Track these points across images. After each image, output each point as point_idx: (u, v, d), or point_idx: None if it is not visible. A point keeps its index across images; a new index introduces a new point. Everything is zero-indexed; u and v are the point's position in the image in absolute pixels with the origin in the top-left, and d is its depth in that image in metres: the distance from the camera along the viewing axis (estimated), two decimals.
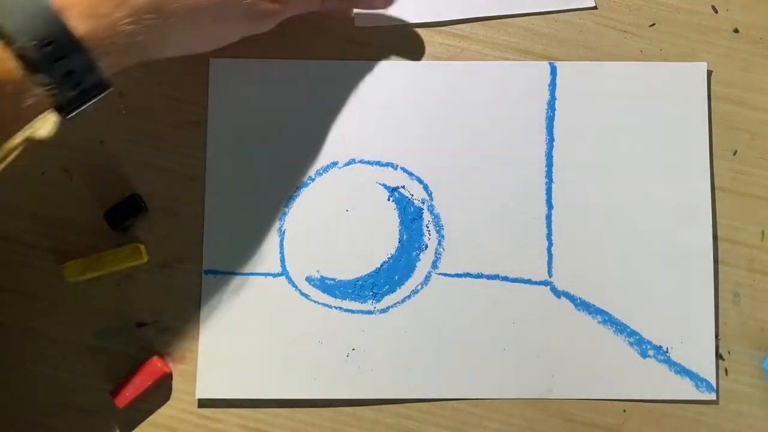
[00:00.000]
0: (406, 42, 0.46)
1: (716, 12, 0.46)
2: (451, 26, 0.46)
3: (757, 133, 0.45)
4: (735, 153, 0.45)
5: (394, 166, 0.44)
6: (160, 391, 0.43)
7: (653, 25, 0.46)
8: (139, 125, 0.45)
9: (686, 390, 0.43)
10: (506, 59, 0.45)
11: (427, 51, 0.45)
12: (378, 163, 0.44)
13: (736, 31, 0.46)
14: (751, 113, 0.45)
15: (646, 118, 0.45)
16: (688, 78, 0.45)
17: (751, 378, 0.43)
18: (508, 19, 0.46)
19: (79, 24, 0.33)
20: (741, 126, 0.45)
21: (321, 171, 0.44)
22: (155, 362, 0.42)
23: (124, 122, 0.45)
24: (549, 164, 0.44)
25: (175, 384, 0.43)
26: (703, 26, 0.46)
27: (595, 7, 0.45)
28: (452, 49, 0.46)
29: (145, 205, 0.44)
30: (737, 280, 0.44)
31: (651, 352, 0.43)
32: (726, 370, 0.43)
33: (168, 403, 0.43)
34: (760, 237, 0.44)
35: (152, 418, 0.43)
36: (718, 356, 0.43)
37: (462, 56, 0.45)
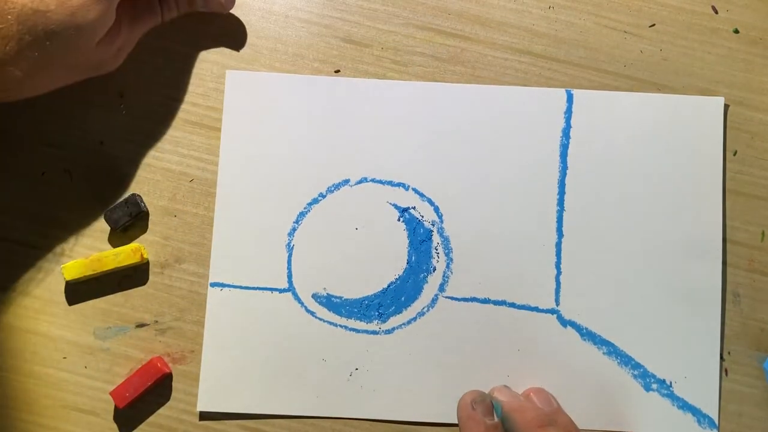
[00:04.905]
0: (407, 41, 0.46)
1: (716, 12, 0.46)
2: (451, 26, 0.46)
3: (757, 133, 0.45)
4: (735, 153, 0.45)
5: (406, 187, 0.44)
6: (160, 391, 0.43)
7: (653, 25, 0.46)
8: (139, 125, 0.45)
9: (688, 425, 0.42)
10: (506, 59, 0.45)
11: (427, 51, 0.46)
12: (390, 183, 0.44)
13: (736, 31, 0.46)
14: (751, 113, 0.45)
15: (661, 151, 0.44)
16: (704, 112, 0.45)
17: (751, 378, 0.43)
18: (507, 19, 0.46)
19: None
20: (741, 126, 0.45)
21: (332, 188, 0.44)
22: (155, 362, 0.42)
23: (124, 122, 0.45)
24: (561, 192, 0.44)
25: (175, 384, 0.43)
26: (703, 26, 0.46)
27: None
28: (452, 49, 0.46)
29: (145, 206, 0.44)
30: (737, 280, 0.44)
31: (655, 386, 0.43)
32: (726, 370, 0.43)
33: (168, 403, 0.43)
34: (760, 237, 0.44)
35: (152, 418, 0.43)
36: (721, 358, 0.43)
37: (462, 56, 0.45)
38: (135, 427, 0.43)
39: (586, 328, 0.43)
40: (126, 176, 0.44)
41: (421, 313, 0.43)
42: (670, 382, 0.43)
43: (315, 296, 0.44)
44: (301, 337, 0.43)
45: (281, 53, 0.46)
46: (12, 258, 0.44)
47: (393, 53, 0.46)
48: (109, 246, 0.44)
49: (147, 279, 0.44)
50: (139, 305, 0.44)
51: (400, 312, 0.44)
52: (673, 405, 0.43)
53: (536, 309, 0.43)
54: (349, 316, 0.43)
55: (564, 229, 0.44)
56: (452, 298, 0.44)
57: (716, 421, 0.43)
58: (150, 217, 0.44)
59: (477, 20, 0.46)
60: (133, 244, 0.43)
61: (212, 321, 0.43)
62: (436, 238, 0.44)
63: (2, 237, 0.44)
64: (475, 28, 0.46)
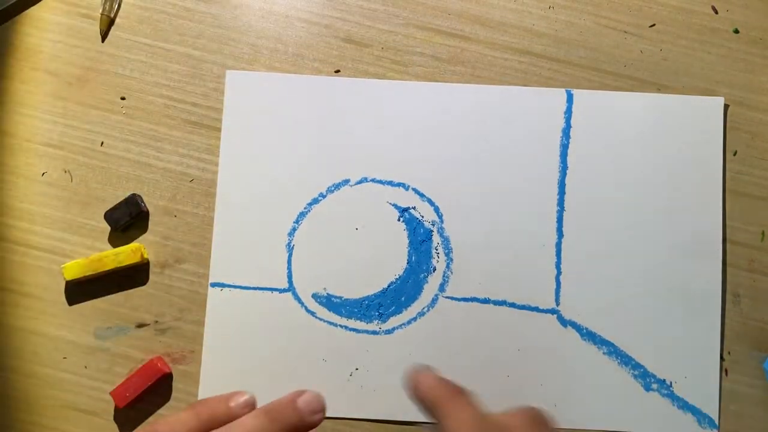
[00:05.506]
0: (407, 41, 0.46)
1: (716, 12, 0.46)
2: (451, 26, 0.46)
3: (757, 133, 0.45)
4: (735, 153, 0.45)
5: (406, 187, 0.44)
6: (160, 391, 0.43)
7: (653, 25, 0.46)
8: (139, 125, 0.45)
9: (688, 425, 0.42)
10: (506, 59, 0.45)
11: (427, 51, 0.46)
12: (390, 183, 0.44)
13: (736, 31, 0.46)
14: (751, 113, 0.45)
15: (661, 151, 0.44)
16: (704, 112, 0.45)
17: (751, 378, 0.43)
18: (507, 19, 0.46)
19: None
20: (741, 126, 0.45)
21: (332, 188, 0.44)
22: (155, 362, 0.42)
23: (124, 122, 0.45)
24: (561, 192, 0.44)
25: (175, 384, 0.43)
26: (703, 26, 0.46)
27: None
28: (452, 49, 0.46)
29: (145, 206, 0.44)
30: (737, 280, 0.44)
31: (655, 386, 0.43)
32: (726, 370, 0.43)
33: (168, 403, 0.43)
34: (760, 237, 0.44)
35: (152, 418, 0.43)
36: (721, 358, 0.43)
37: (462, 56, 0.45)
38: (135, 427, 0.43)
39: (586, 328, 0.43)
40: (126, 176, 0.44)
41: (421, 313, 0.43)
42: (670, 382, 0.43)
43: (315, 296, 0.44)
44: (301, 337, 0.43)
45: (281, 53, 0.46)
46: (12, 258, 0.44)
47: (393, 53, 0.46)
48: (109, 246, 0.44)
49: (147, 279, 0.44)
50: (139, 305, 0.44)
51: (400, 312, 0.43)
52: (673, 405, 0.43)
53: (536, 309, 0.43)
54: (349, 316, 0.43)
55: (564, 229, 0.44)
56: (452, 298, 0.44)
57: (716, 421, 0.43)
58: (150, 217, 0.44)
59: (477, 20, 0.46)
60: (133, 244, 0.43)
61: (212, 321, 0.43)
62: (436, 238, 0.44)
63: (2, 237, 0.44)
64: (475, 28, 0.46)
